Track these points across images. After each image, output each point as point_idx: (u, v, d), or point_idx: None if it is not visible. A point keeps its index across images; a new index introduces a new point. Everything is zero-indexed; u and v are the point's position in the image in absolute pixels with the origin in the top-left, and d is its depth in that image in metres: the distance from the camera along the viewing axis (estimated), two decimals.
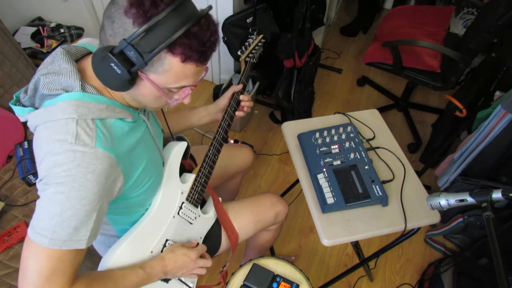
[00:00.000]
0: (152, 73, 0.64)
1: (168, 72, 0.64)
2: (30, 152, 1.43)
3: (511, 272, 0.89)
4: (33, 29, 1.84)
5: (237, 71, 2.33)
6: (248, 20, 1.91)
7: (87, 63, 0.70)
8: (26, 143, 1.46)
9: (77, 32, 1.93)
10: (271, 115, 2.38)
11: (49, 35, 1.85)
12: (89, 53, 0.74)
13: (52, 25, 1.92)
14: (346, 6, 3.41)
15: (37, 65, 1.75)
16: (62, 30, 1.90)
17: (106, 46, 0.61)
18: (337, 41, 3.05)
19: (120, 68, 0.60)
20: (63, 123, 0.63)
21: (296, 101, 2.07)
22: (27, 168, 1.37)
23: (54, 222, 0.62)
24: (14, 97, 0.71)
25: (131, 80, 0.63)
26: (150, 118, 0.85)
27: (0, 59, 1.49)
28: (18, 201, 1.33)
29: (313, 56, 2.12)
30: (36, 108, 0.68)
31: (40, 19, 1.97)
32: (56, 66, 0.67)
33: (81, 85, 0.66)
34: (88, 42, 0.77)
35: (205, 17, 0.63)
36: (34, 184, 1.38)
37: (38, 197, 0.65)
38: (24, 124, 1.56)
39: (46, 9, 2.02)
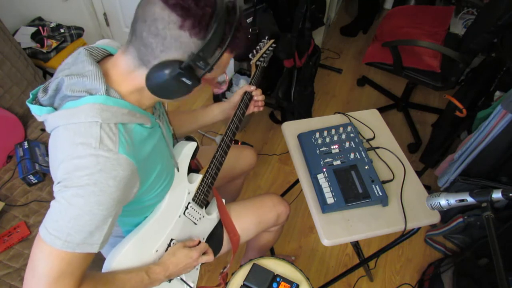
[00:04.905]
0: (208, 71, 0.66)
1: (220, 65, 0.68)
2: (30, 152, 1.43)
3: (511, 272, 0.89)
4: (33, 29, 1.84)
5: (237, 71, 2.34)
6: (248, 20, 1.91)
7: (109, 66, 0.69)
8: (26, 143, 1.46)
9: (77, 32, 1.93)
10: (271, 115, 2.38)
11: (49, 35, 1.85)
12: (109, 54, 0.74)
13: (52, 25, 1.92)
14: (346, 6, 3.41)
15: (37, 65, 1.75)
16: (62, 30, 1.90)
17: (166, 62, 0.62)
18: (337, 41, 3.05)
19: (192, 79, 0.64)
20: (86, 126, 0.62)
21: (296, 101, 2.07)
22: (27, 168, 1.37)
23: (70, 225, 0.61)
24: (31, 95, 0.70)
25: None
26: (164, 123, 0.85)
27: (0, 59, 1.49)
28: (18, 201, 1.33)
29: (313, 56, 2.12)
30: (55, 109, 0.67)
31: (40, 19, 1.97)
32: (80, 68, 0.66)
33: (106, 89, 0.65)
34: (107, 43, 0.77)
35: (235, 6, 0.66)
36: (34, 184, 1.38)
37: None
38: (24, 124, 1.57)
39: (46, 9, 2.02)
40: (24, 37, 1.81)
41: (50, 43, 1.81)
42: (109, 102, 0.65)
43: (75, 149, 0.61)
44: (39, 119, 0.69)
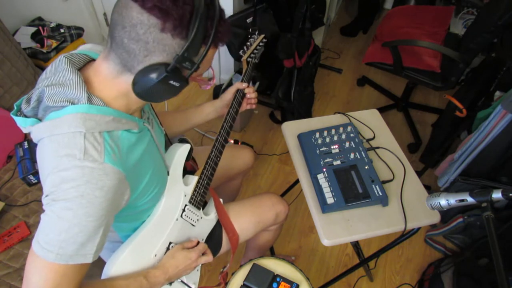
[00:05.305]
0: (194, 70, 0.66)
1: (205, 61, 0.66)
2: (30, 152, 1.43)
3: (511, 272, 0.89)
4: (33, 29, 1.84)
5: (237, 71, 2.33)
6: (248, 20, 1.91)
7: (91, 73, 0.68)
8: (26, 143, 1.46)
9: (77, 32, 1.93)
10: (271, 115, 2.38)
11: (49, 35, 1.85)
12: (91, 60, 0.72)
13: (52, 25, 1.92)
14: (346, 6, 3.41)
15: (37, 65, 1.75)
16: (62, 30, 1.90)
17: (151, 66, 0.61)
18: (337, 41, 3.05)
19: (179, 81, 0.64)
20: (70, 136, 0.61)
21: (296, 101, 2.07)
22: (27, 168, 1.37)
23: (61, 238, 0.61)
24: (15, 107, 0.69)
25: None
26: (154, 126, 0.83)
27: (0, 59, 1.49)
28: (18, 201, 1.33)
29: (313, 56, 2.12)
30: (39, 119, 0.66)
31: (40, 19, 1.97)
32: (60, 77, 0.65)
33: (88, 97, 0.64)
34: (89, 48, 0.75)
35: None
36: (34, 184, 1.38)
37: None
38: None
39: (46, 9, 2.02)
40: (24, 37, 1.81)
41: (50, 43, 1.81)
42: (92, 111, 0.63)
43: (60, 161, 0.60)
44: (24, 131, 0.67)
